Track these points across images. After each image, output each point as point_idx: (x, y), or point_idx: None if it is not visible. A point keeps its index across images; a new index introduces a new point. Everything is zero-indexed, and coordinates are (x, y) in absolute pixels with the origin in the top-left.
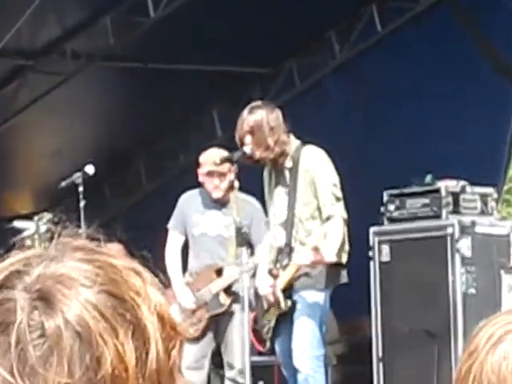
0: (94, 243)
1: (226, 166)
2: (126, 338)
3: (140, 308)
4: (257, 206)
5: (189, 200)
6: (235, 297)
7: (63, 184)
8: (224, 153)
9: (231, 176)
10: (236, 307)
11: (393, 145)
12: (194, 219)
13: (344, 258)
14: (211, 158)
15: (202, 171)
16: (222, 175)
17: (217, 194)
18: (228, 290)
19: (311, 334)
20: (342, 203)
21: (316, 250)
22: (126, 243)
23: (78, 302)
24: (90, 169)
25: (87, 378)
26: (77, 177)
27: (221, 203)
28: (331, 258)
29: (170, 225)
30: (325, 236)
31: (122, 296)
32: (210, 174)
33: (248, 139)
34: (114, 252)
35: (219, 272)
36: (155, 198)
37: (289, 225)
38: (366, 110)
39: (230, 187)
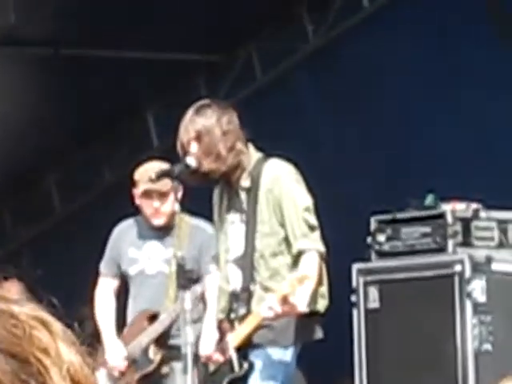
0: None
1: (168, 183)
2: None
3: (48, 372)
4: (209, 233)
5: (123, 232)
6: (173, 354)
7: None
8: (164, 166)
9: (178, 195)
10: (175, 366)
11: (382, 153)
12: (129, 255)
13: (321, 305)
14: (148, 173)
15: (137, 191)
16: (162, 195)
17: (158, 221)
18: (160, 342)
19: None
20: (317, 233)
21: (285, 300)
22: (29, 283)
23: None
24: None
25: None
26: None
27: (162, 231)
28: (303, 307)
29: (101, 266)
30: (300, 282)
31: (25, 357)
32: (147, 194)
33: (193, 148)
34: (12, 293)
35: (153, 319)
36: (71, 226)
37: (247, 262)
38: (346, 110)
39: (175, 210)
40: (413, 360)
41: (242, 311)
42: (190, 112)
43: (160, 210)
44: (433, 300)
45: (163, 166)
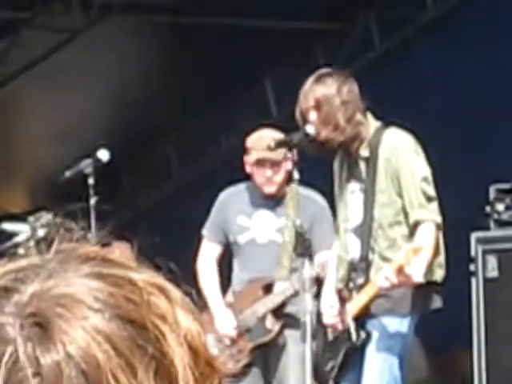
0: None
1: (282, 152)
2: (147, 378)
3: (166, 338)
4: (321, 204)
5: (231, 198)
6: (288, 321)
7: (67, 174)
8: (279, 135)
9: (288, 165)
10: (291, 335)
11: (501, 125)
12: (238, 223)
13: (438, 275)
14: (262, 141)
15: (250, 159)
16: (275, 164)
17: (269, 189)
18: (277, 312)
19: (387, 374)
20: (435, 204)
21: (400, 271)
22: (146, 250)
23: (84, 330)
24: (103, 154)
25: None
26: (86, 165)
27: (274, 201)
28: (419, 278)
29: (205, 231)
30: (416, 253)
31: (143, 323)
32: (260, 162)
33: (313, 116)
34: (120, 253)
35: (268, 288)
36: (189, 193)
37: (365, 232)
38: (466, 79)
39: (287, 180)
40: None
41: (360, 281)
42: (311, 80)
43: (272, 179)
44: None
45: (275, 133)
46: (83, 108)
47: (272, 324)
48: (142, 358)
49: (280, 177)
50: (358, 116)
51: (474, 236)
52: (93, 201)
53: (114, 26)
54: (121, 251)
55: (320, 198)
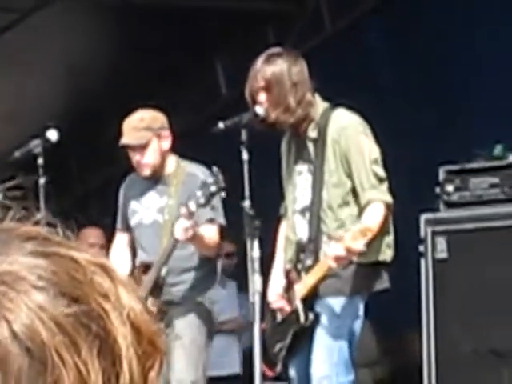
0: (53, 231)
1: (145, 135)
2: (91, 356)
3: (109, 317)
4: (200, 179)
5: (127, 187)
6: (172, 307)
7: (16, 154)
8: (148, 115)
9: (163, 144)
10: (177, 322)
11: (452, 106)
12: (132, 208)
13: (387, 255)
14: (128, 124)
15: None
16: (140, 148)
17: (143, 172)
18: (155, 292)
19: (336, 355)
20: (385, 184)
21: (349, 251)
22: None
23: (28, 308)
24: (52, 134)
25: None
26: (35, 145)
27: (156, 181)
28: (359, 246)
29: (117, 224)
30: (363, 234)
31: (87, 301)
32: (127, 147)
33: (262, 97)
34: (93, 238)
35: (147, 269)
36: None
37: (314, 213)
38: (418, 60)
39: (163, 158)
40: (481, 311)
41: (309, 262)
42: (260, 60)
43: (141, 162)
44: (501, 250)
45: (143, 114)
46: (33, 89)
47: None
48: (86, 336)
49: (150, 158)
50: (308, 97)
51: (423, 217)
52: (42, 181)
53: (65, 6)
54: (93, 236)
55: (202, 174)
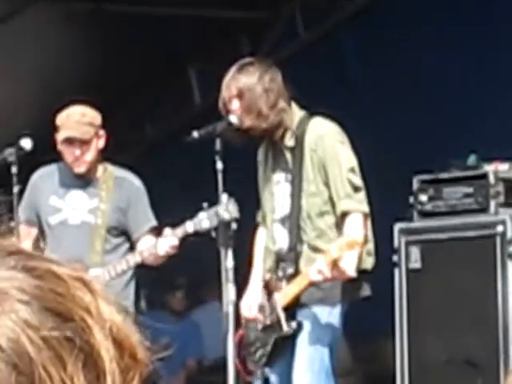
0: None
1: (90, 130)
2: (76, 371)
3: (91, 331)
4: (135, 185)
5: (43, 179)
6: None
7: None
8: (91, 111)
9: (100, 144)
10: None
11: (426, 116)
12: (51, 204)
13: (368, 263)
14: (70, 119)
15: (59, 137)
16: (84, 143)
17: (79, 169)
18: None
19: (318, 365)
20: (362, 194)
21: (334, 264)
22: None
23: (12, 322)
24: (26, 143)
25: None
26: (8, 154)
27: (86, 180)
28: (352, 272)
29: (19, 214)
30: (350, 246)
31: (70, 315)
32: (68, 141)
33: (235, 105)
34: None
35: None
36: None
37: (293, 222)
38: (393, 71)
39: (98, 159)
40: (454, 320)
41: (290, 271)
42: (233, 69)
43: (82, 158)
44: (474, 260)
45: (86, 109)
46: (7, 96)
47: None
48: (71, 350)
49: (90, 156)
50: (281, 103)
51: (397, 227)
52: (16, 189)
53: (39, 13)
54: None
55: (135, 179)
